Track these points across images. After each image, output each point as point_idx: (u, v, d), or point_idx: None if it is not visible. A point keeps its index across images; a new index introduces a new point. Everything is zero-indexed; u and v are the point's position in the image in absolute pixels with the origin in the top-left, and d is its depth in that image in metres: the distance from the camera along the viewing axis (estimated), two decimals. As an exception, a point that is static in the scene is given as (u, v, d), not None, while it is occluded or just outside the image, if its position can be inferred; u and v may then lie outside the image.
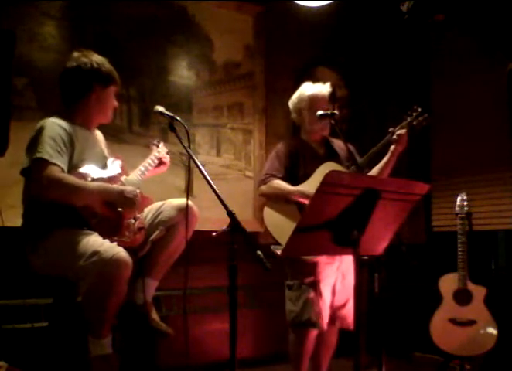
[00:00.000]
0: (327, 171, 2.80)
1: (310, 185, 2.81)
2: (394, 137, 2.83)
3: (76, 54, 2.47)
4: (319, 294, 2.78)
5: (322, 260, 2.78)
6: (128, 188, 2.37)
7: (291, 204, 2.85)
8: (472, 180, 3.99)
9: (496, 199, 3.87)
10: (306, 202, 2.76)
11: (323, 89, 2.99)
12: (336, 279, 2.86)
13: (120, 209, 2.30)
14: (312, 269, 2.78)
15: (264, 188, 2.93)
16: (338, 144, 3.05)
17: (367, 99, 4.58)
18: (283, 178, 2.89)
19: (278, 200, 2.88)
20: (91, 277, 2.13)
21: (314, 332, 2.83)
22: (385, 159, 2.90)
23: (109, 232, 2.28)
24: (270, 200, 2.94)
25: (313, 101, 2.95)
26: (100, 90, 2.46)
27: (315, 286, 2.78)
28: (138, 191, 2.40)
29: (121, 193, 2.31)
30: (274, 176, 2.90)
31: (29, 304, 3.00)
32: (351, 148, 2.87)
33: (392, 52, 4.45)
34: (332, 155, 3.00)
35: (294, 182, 2.88)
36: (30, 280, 2.50)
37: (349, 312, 2.85)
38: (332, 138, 3.09)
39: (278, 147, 3.04)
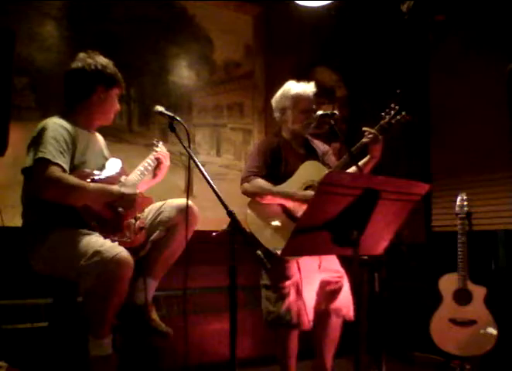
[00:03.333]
0: (309, 170, 2.84)
1: (292, 185, 2.80)
2: (367, 139, 2.77)
3: (82, 55, 2.47)
4: (299, 294, 2.73)
5: (302, 259, 2.75)
6: (128, 189, 2.37)
7: (274, 204, 2.82)
8: (472, 180, 3.98)
9: (496, 199, 3.86)
10: (289, 203, 2.77)
11: (307, 88, 2.95)
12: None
13: (120, 210, 2.30)
14: (292, 268, 2.75)
15: (247, 186, 2.86)
16: (317, 144, 3.04)
17: (367, 99, 4.58)
18: (265, 177, 2.84)
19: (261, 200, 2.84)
20: (92, 277, 2.13)
21: (296, 332, 2.79)
22: (364, 160, 2.85)
23: (110, 232, 2.28)
24: (253, 199, 2.88)
25: (297, 100, 2.92)
26: (103, 91, 2.46)
27: (295, 286, 2.74)
28: (137, 191, 2.40)
29: (121, 194, 2.31)
30: (257, 174, 2.85)
31: (29, 304, 3.00)
32: (326, 148, 2.89)
33: (392, 53, 4.44)
34: (312, 154, 2.98)
35: (275, 180, 2.83)
36: (30, 280, 2.49)
37: (341, 303, 2.81)
38: (311, 138, 3.06)
39: (258, 143, 3.00)
